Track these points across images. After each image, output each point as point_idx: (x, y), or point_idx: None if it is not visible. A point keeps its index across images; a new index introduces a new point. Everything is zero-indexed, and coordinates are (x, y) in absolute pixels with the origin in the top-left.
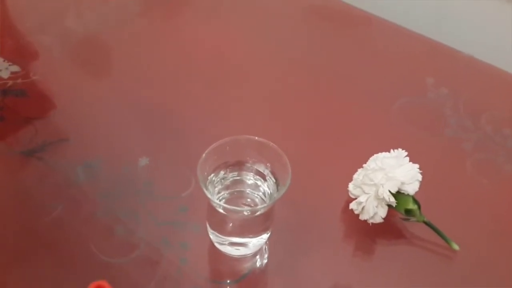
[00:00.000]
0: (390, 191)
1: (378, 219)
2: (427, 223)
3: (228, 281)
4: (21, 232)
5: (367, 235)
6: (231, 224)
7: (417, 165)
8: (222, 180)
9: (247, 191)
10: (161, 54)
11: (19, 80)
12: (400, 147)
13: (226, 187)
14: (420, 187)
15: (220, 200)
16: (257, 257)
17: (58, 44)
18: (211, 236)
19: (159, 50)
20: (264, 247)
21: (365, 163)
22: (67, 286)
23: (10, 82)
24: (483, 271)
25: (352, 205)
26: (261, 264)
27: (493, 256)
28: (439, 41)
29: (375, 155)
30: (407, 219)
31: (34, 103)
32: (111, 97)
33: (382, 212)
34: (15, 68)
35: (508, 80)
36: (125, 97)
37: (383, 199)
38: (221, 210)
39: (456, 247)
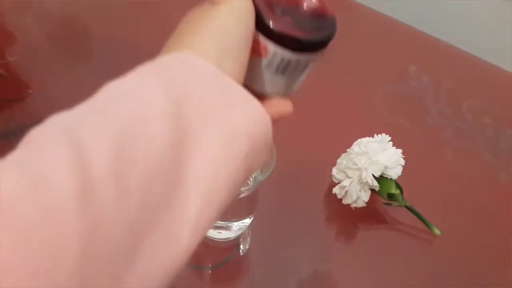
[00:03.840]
0: (373, 175)
1: (361, 203)
2: (409, 208)
3: (210, 265)
4: None
5: (349, 219)
6: None
7: (400, 150)
8: None
9: None
10: (144, 36)
11: None
12: (382, 134)
13: None
14: (402, 173)
15: None
16: (240, 241)
17: (36, 25)
18: None
19: (142, 32)
20: (246, 231)
21: (348, 148)
22: None
23: None
24: (463, 255)
25: (335, 190)
26: (243, 249)
27: (472, 240)
28: (422, 30)
29: (359, 139)
30: (389, 204)
31: (10, 85)
32: (91, 81)
33: (365, 196)
34: None
35: (488, 70)
36: (106, 81)
37: (366, 183)
38: None
39: (437, 231)
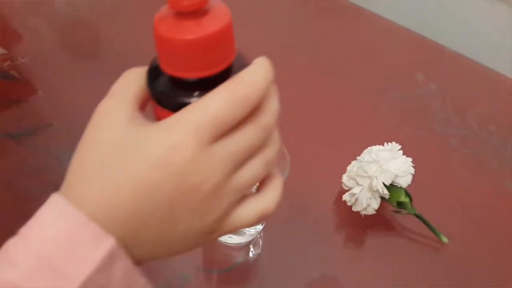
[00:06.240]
0: (384, 183)
1: (371, 211)
2: (417, 216)
3: (220, 269)
4: (2, 218)
5: (358, 226)
6: None
7: (410, 159)
8: None
9: None
10: (153, 39)
11: (7, 63)
12: (390, 141)
13: None
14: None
15: None
16: (250, 246)
17: (46, 26)
18: None
19: (151, 35)
20: (258, 236)
21: (357, 155)
22: None
23: None
24: (470, 263)
25: (345, 197)
26: (254, 254)
27: (480, 248)
28: (429, 38)
29: (369, 147)
30: (399, 212)
31: (20, 86)
32: (102, 82)
33: (375, 204)
34: (1, 50)
35: (494, 78)
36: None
37: (377, 191)
38: None
39: (445, 239)
